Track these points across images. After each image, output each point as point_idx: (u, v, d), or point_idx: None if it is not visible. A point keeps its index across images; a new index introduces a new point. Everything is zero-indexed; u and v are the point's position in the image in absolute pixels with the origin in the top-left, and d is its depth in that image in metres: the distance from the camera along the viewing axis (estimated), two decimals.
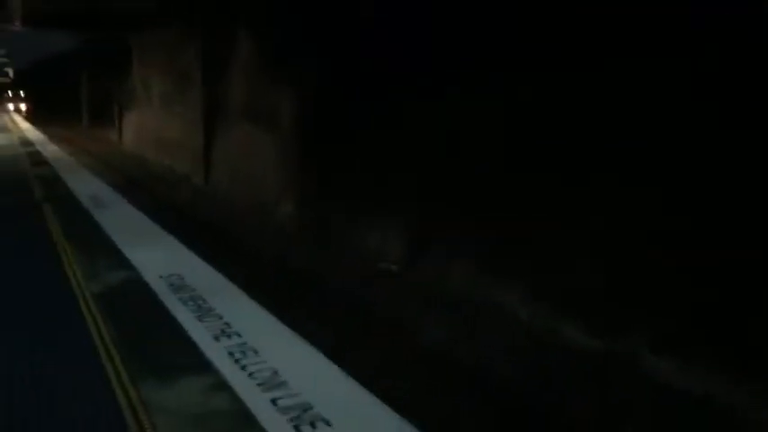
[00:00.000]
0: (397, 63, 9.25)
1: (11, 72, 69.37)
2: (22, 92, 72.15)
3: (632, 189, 6.05)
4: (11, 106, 77.83)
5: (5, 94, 78.69)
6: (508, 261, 7.27)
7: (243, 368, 5.70)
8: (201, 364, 5.82)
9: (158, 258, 9.27)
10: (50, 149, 28.97)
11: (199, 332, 6.55)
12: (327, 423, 4.81)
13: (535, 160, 7.07)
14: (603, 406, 5.25)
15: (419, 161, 8.80)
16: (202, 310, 7.16)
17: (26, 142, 33.06)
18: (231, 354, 6.02)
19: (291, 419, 4.85)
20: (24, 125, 52.91)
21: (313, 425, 4.78)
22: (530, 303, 6.85)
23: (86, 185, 16.86)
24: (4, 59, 64.90)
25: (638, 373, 5.55)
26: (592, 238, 6.37)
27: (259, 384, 5.40)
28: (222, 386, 5.40)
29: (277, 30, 13.07)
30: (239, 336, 6.42)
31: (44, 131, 40.88)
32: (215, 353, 6.05)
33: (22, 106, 72.75)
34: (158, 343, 6.38)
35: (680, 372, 5.35)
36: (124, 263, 9.07)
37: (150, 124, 25.35)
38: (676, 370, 5.38)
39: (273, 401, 5.13)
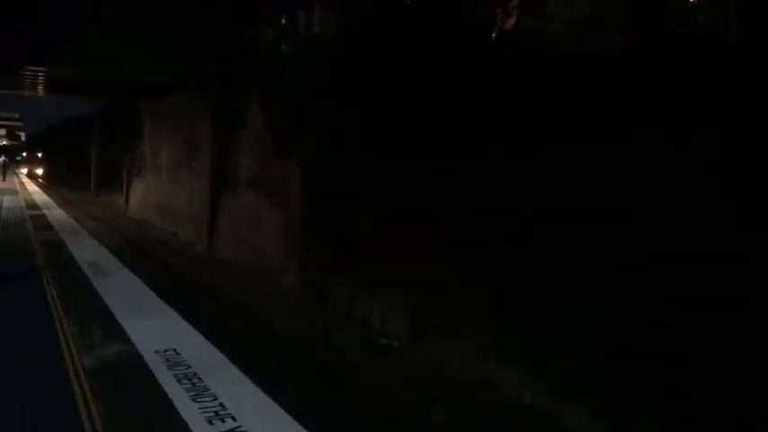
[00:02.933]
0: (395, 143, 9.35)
1: (23, 136, 70.20)
2: (39, 154, 68.40)
3: None
4: (23, 170, 75.19)
5: (18, 158, 77.55)
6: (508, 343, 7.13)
7: None
8: None
9: (154, 330, 9.13)
10: (56, 213, 29.13)
11: None
12: None
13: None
14: None
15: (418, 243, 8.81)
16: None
17: (32, 206, 33.28)
18: None
19: None
20: (32, 188, 53.50)
21: None
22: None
23: (88, 251, 16.84)
24: (17, 123, 66.20)
25: None
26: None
27: None
28: None
29: (285, 105, 13.30)
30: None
31: (51, 195, 41.28)
32: None
33: (39, 171, 67.20)
34: None
35: None
36: (119, 336, 8.89)
37: (157, 191, 25.55)
38: None
39: None
